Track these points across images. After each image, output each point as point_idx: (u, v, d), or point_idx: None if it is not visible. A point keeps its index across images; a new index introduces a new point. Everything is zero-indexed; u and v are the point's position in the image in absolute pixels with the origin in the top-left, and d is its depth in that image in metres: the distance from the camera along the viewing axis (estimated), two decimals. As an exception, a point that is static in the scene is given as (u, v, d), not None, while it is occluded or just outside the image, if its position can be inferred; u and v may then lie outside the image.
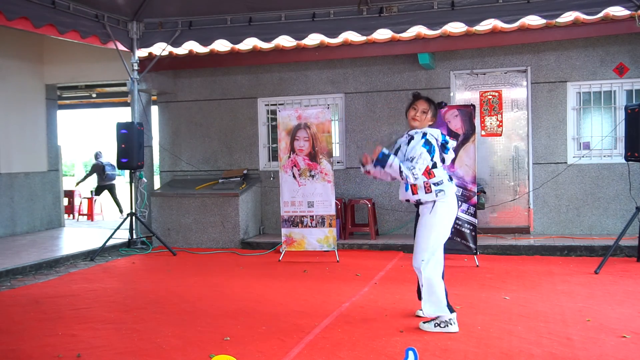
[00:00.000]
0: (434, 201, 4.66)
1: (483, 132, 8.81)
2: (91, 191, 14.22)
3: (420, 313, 5.00)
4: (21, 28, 7.65)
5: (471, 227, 7.30)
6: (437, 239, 4.69)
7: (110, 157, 14.56)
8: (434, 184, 4.66)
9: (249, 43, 9.18)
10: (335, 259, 7.90)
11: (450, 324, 4.63)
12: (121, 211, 14.26)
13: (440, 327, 4.63)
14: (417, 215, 4.84)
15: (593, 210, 8.81)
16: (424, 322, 4.74)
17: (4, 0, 7.01)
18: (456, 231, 7.18)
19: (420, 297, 5.02)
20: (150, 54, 9.71)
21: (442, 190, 4.66)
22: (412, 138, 4.73)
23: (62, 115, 14.23)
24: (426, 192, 4.66)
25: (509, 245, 8.24)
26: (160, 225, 9.61)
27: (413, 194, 4.70)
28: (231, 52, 9.59)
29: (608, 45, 8.69)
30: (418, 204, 4.77)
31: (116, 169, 14.59)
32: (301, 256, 8.23)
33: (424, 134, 4.69)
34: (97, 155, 14.45)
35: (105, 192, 14.25)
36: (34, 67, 10.90)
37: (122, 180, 22.92)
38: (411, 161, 4.61)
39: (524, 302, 5.49)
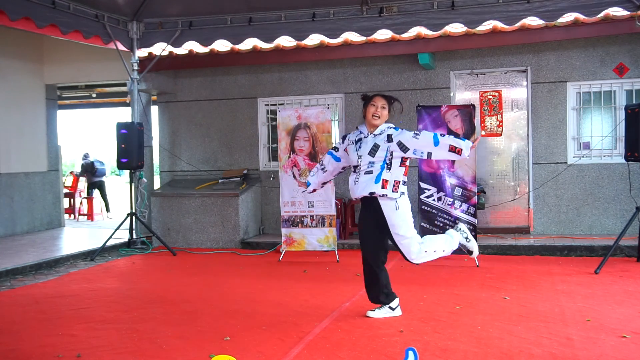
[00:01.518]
0: (396, 199, 4.82)
1: (483, 132, 8.75)
2: (88, 191, 14.26)
3: (370, 314, 5.09)
4: (24, 29, 7.66)
5: (471, 227, 7.30)
6: (412, 226, 4.93)
7: (109, 157, 14.59)
8: (404, 183, 4.87)
9: (249, 43, 9.18)
10: (335, 259, 7.90)
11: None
12: (108, 210, 14.28)
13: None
14: (365, 212, 4.95)
15: (593, 210, 8.81)
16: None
17: (6, 0, 7.01)
18: (456, 231, 7.18)
19: (371, 298, 5.13)
20: (150, 54, 9.71)
21: (404, 192, 4.88)
22: (390, 136, 4.86)
23: (62, 115, 14.24)
24: (393, 190, 4.80)
25: (509, 245, 8.24)
26: (160, 225, 9.61)
27: (382, 187, 4.80)
28: (231, 52, 9.59)
29: (608, 45, 8.69)
30: (375, 197, 4.82)
31: (104, 164, 14.69)
32: (301, 256, 8.23)
33: (397, 128, 4.93)
34: (85, 156, 14.71)
35: (96, 191, 14.30)
36: (34, 67, 10.90)
37: (122, 180, 22.89)
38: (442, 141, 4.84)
39: (524, 302, 5.49)
